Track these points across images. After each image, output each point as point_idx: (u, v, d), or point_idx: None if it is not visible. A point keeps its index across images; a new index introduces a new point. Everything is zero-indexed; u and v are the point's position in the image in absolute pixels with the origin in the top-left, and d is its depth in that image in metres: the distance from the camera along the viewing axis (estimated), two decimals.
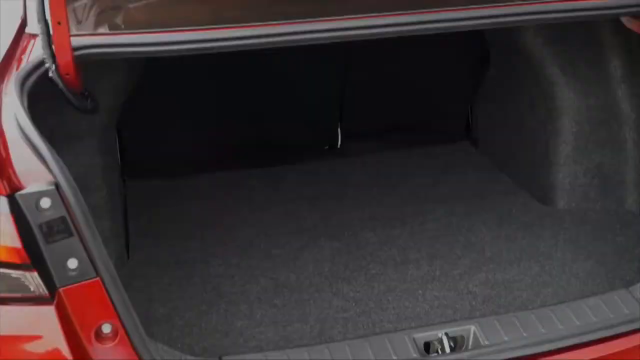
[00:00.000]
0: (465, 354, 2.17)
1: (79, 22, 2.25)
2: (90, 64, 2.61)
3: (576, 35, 3.11)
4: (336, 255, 3.03)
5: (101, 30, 2.26)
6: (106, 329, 1.94)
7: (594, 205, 3.25)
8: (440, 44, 3.67)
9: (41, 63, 2.03)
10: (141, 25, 2.32)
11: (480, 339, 2.23)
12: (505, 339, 2.22)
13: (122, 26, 2.31)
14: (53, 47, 2.00)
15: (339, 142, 3.87)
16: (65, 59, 2.01)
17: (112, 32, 2.25)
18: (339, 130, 3.87)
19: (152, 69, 3.40)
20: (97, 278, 1.91)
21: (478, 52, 3.65)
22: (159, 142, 3.66)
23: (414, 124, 3.97)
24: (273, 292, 2.81)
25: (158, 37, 2.20)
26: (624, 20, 2.69)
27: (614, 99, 3.15)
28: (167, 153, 3.69)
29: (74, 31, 2.10)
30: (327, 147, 3.90)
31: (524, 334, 2.23)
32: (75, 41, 2.06)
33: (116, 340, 1.94)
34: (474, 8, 2.46)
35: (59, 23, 1.98)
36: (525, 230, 3.14)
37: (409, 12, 2.45)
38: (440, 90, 3.89)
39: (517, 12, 2.43)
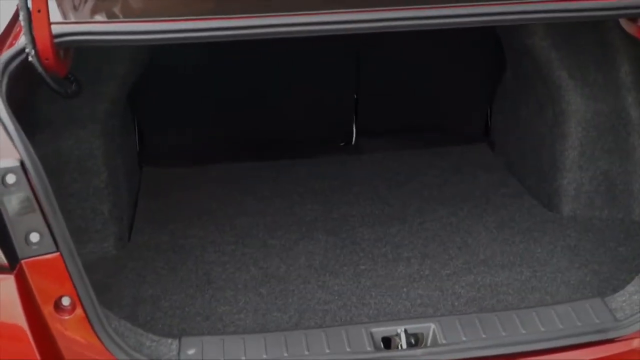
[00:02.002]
0: (419, 351, 2.18)
1: (64, 10, 2.36)
2: (92, 53, 2.75)
3: (586, 39, 3.05)
4: (330, 249, 3.06)
5: (84, 18, 2.36)
6: (65, 301, 2.04)
7: (599, 214, 3.18)
8: (458, 45, 3.67)
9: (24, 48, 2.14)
10: (127, 14, 2.42)
11: (439, 338, 2.23)
12: (464, 339, 2.22)
13: (105, 15, 2.41)
14: (33, 33, 2.10)
15: (354, 139, 3.91)
16: (44, 44, 2.11)
17: (92, 20, 2.35)
18: (353, 126, 3.90)
19: (170, 62, 3.52)
20: (58, 253, 2.01)
21: (496, 54, 3.62)
22: (176, 132, 3.78)
23: (431, 124, 3.97)
24: (261, 281, 2.87)
25: (139, 27, 2.27)
26: (622, 23, 2.62)
27: (623, 105, 3.07)
28: (183, 143, 3.81)
29: (57, 19, 2.21)
30: (342, 144, 3.93)
31: (483, 336, 2.22)
32: (57, 28, 2.17)
33: (74, 313, 2.04)
34: (474, 5, 2.45)
35: (38, 11, 2.07)
36: (524, 235, 3.11)
37: (416, 6, 2.43)
38: (458, 92, 3.87)
39: (505, 10, 2.39)
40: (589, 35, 3.04)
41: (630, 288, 2.39)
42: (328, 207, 3.38)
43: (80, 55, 2.67)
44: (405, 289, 2.80)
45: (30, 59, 2.12)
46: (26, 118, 2.67)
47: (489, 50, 3.63)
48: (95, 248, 2.97)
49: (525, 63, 3.31)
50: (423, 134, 3.93)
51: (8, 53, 2.13)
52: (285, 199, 3.46)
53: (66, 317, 2.04)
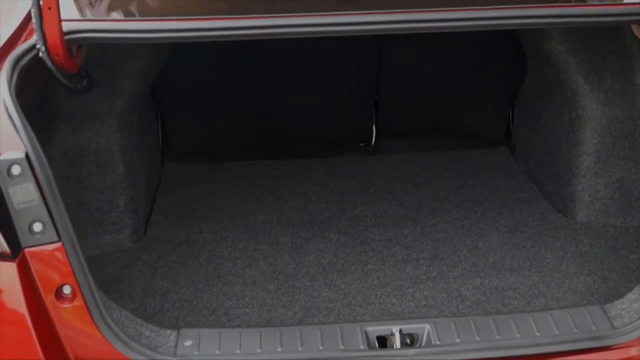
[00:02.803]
0: (411, 351, 2.20)
1: (80, 7, 2.44)
2: (111, 50, 2.83)
3: (603, 45, 3.02)
4: (340, 248, 3.09)
5: (100, 15, 2.43)
6: (67, 290, 2.11)
7: (614, 221, 3.15)
8: (481, 47, 3.66)
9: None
10: (143, 13, 2.49)
11: (432, 339, 2.25)
12: (457, 340, 2.23)
13: (121, 13, 2.48)
14: (44, 30, 2.18)
15: (373, 140, 3.93)
16: (54, 41, 2.19)
17: (104, 18, 2.42)
18: (373, 127, 3.92)
19: (194, 61, 3.60)
20: (60, 243, 2.08)
21: (518, 57, 3.60)
22: (199, 129, 3.85)
23: (452, 126, 3.96)
24: (269, 277, 2.91)
25: (149, 25, 2.34)
26: (634, 29, 2.59)
27: None
28: (206, 140, 3.88)
29: (73, 15, 2.29)
30: (362, 144, 3.95)
31: (477, 338, 2.23)
32: (68, 26, 2.24)
33: (74, 302, 2.11)
34: (478, 9, 2.46)
35: (49, 8, 2.16)
36: (535, 240, 3.09)
37: (434, 9, 2.45)
38: (480, 94, 3.86)
39: (509, 15, 2.40)
40: (606, 41, 3.01)
41: (630, 296, 2.37)
42: (343, 206, 3.41)
43: (99, 52, 2.76)
44: (410, 290, 2.81)
45: (40, 55, 2.21)
46: (46, 111, 2.77)
47: (512, 53, 3.62)
48: (110, 240, 3.05)
49: (544, 67, 3.29)
50: (443, 136, 3.93)
51: (19, 49, 2.21)
52: (301, 197, 3.49)
53: (66, 305, 2.11)
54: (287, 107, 3.82)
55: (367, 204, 3.42)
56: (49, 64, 2.21)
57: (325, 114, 3.87)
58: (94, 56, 2.74)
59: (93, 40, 2.30)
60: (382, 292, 2.81)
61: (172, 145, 3.84)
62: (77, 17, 2.45)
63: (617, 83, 3.04)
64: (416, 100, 3.87)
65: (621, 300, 2.38)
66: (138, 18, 2.36)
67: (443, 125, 3.96)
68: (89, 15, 2.52)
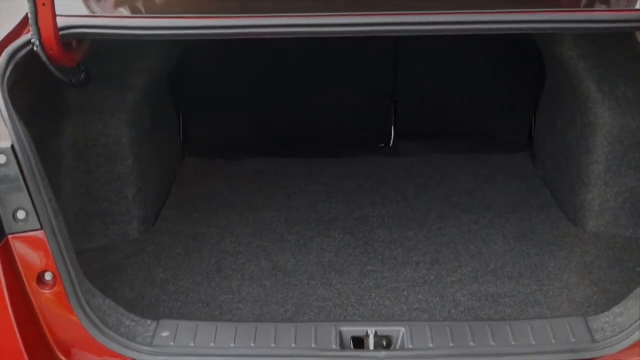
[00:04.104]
0: (382, 354, 2.19)
1: (87, 2, 2.52)
2: (122, 46, 2.90)
3: (617, 52, 2.93)
4: (342, 248, 3.10)
5: (106, 11, 2.50)
6: (48, 277, 2.19)
7: (624, 232, 3.06)
8: (502, 52, 3.62)
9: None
10: (149, 10, 2.55)
11: (406, 342, 2.24)
12: (430, 345, 2.21)
13: (128, 9, 2.55)
14: (39, 25, 2.27)
15: (392, 141, 3.91)
16: (49, 36, 2.27)
17: (101, 14, 2.48)
18: (392, 129, 3.90)
19: (214, 60, 3.66)
20: (42, 231, 2.16)
21: (540, 63, 3.54)
22: (218, 126, 3.92)
23: (474, 130, 3.92)
24: (267, 273, 2.94)
25: (146, 23, 2.40)
26: (638, 36, 2.51)
27: None
28: (225, 137, 3.94)
29: (68, 12, 2.37)
30: (381, 146, 3.94)
31: (451, 344, 2.21)
32: (63, 21, 2.32)
33: (55, 289, 2.19)
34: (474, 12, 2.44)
35: (43, 4, 2.23)
36: (541, 248, 3.03)
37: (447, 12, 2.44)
38: (502, 99, 3.81)
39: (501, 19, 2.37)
40: (620, 49, 2.92)
41: (616, 310, 2.31)
42: (351, 206, 3.41)
43: (110, 48, 2.84)
44: (406, 293, 2.80)
45: (35, 49, 2.29)
46: (54, 103, 2.86)
47: (534, 58, 3.55)
48: (118, 230, 3.13)
49: (559, 73, 3.23)
50: (464, 140, 3.89)
51: (16, 44, 2.30)
52: (312, 196, 3.51)
53: (47, 292, 2.19)
54: (306, 106, 3.85)
55: (376, 205, 3.42)
56: (43, 57, 2.30)
57: (344, 114, 3.88)
58: (105, 52, 2.83)
59: (88, 36, 2.38)
60: (377, 294, 2.81)
61: (192, 141, 3.92)
62: (83, 12, 2.53)
63: (629, 91, 2.95)
64: (437, 102, 3.84)
65: (606, 313, 2.32)
66: (135, 15, 2.42)
67: (464, 128, 3.92)
68: (96, 11, 2.60)
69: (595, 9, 2.72)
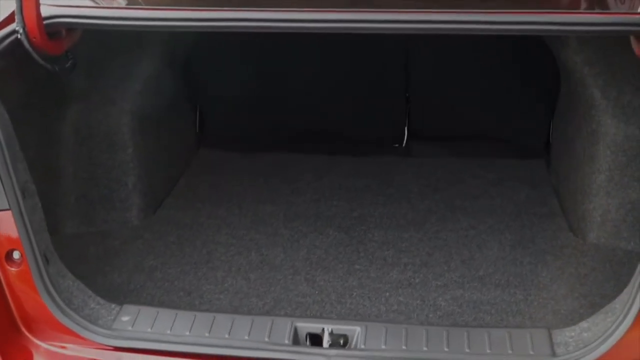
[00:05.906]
0: (332, 352, 2.18)
1: None
2: (125, 37, 2.96)
3: (622, 58, 2.81)
4: (333, 245, 3.08)
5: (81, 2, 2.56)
6: (16, 255, 2.26)
7: (625, 245, 2.93)
8: (519, 57, 3.54)
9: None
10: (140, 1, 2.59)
11: (359, 342, 2.21)
12: (382, 347, 2.19)
13: (103, 1, 2.60)
14: (23, 14, 2.34)
15: (404, 142, 3.87)
16: (32, 24, 2.33)
17: (84, 5, 2.53)
18: (405, 129, 3.85)
19: (230, 53, 3.70)
20: (9, 211, 2.23)
21: (556, 68, 3.43)
22: (233, 120, 3.95)
23: (490, 133, 3.83)
24: (254, 266, 2.95)
25: (131, 13, 2.44)
26: (632, 42, 2.40)
27: None
28: (240, 131, 3.97)
29: (51, 1, 2.44)
30: (395, 145, 3.90)
31: (403, 347, 2.18)
32: (47, 10, 2.39)
33: (21, 267, 2.26)
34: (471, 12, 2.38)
35: None
36: (535, 257, 2.94)
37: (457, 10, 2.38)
38: (520, 104, 3.71)
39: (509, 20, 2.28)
40: (626, 55, 2.80)
41: (583, 324, 2.23)
42: (353, 205, 3.39)
43: (114, 38, 2.90)
44: (387, 294, 2.77)
45: (18, 36, 2.36)
46: (53, 90, 2.93)
47: (550, 64, 3.45)
48: (118, 216, 3.20)
49: (568, 78, 3.12)
50: (478, 143, 3.81)
51: (1, 33, 2.38)
52: (316, 192, 3.50)
53: (14, 269, 2.26)
54: (321, 104, 3.85)
55: (377, 204, 3.39)
56: (26, 44, 2.36)
57: (358, 113, 3.86)
58: (107, 42, 2.90)
59: (73, 25, 2.43)
60: (358, 293, 2.78)
61: (208, 134, 3.97)
62: (71, 2, 2.58)
63: (636, 99, 2.83)
64: (452, 104, 3.77)
65: (572, 327, 2.24)
66: (123, 6, 2.47)
67: (480, 131, 3.83)
68: (85, 1, 2.65)
69: (596, 11, 2.62)
